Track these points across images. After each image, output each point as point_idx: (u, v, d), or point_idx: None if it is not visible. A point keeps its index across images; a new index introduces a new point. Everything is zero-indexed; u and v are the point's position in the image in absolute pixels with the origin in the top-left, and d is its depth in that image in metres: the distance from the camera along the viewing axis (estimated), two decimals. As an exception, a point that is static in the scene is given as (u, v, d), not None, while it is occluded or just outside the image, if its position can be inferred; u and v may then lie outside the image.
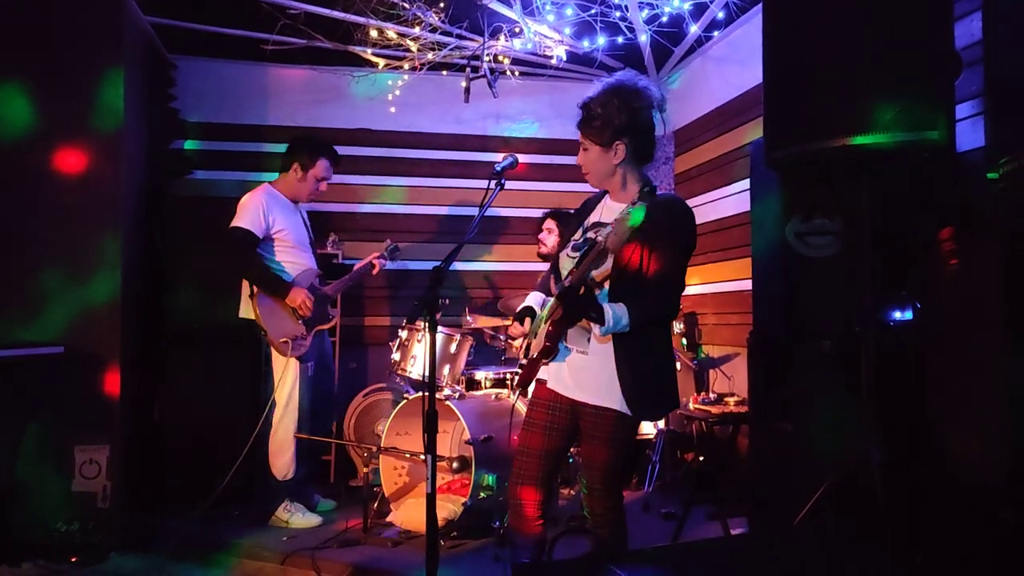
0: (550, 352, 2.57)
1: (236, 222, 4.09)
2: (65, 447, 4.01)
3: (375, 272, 4.49)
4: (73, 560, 3.82)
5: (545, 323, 2.61)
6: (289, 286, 4.10)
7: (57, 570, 3.73)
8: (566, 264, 2.66)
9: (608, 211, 2.70)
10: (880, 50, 2.46)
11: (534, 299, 2.81)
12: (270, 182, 4.33)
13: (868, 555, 2.43)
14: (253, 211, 4.12)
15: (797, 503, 2.67)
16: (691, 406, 4.56)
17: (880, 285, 2.79)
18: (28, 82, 4.09)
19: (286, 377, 4.12)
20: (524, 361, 2.73)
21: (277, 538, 3.97)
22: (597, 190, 2.80)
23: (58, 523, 3.91)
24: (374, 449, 4.13)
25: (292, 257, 4.26)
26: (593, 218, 2.74)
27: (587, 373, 2.58)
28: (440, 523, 3.91)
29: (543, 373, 2.71)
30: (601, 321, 2.42)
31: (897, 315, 2.93)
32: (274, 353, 4.16)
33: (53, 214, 4.08)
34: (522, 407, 3.77)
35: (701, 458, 4.62)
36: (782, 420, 3.09)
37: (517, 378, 2.76)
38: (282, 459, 4.15)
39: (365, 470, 4.16)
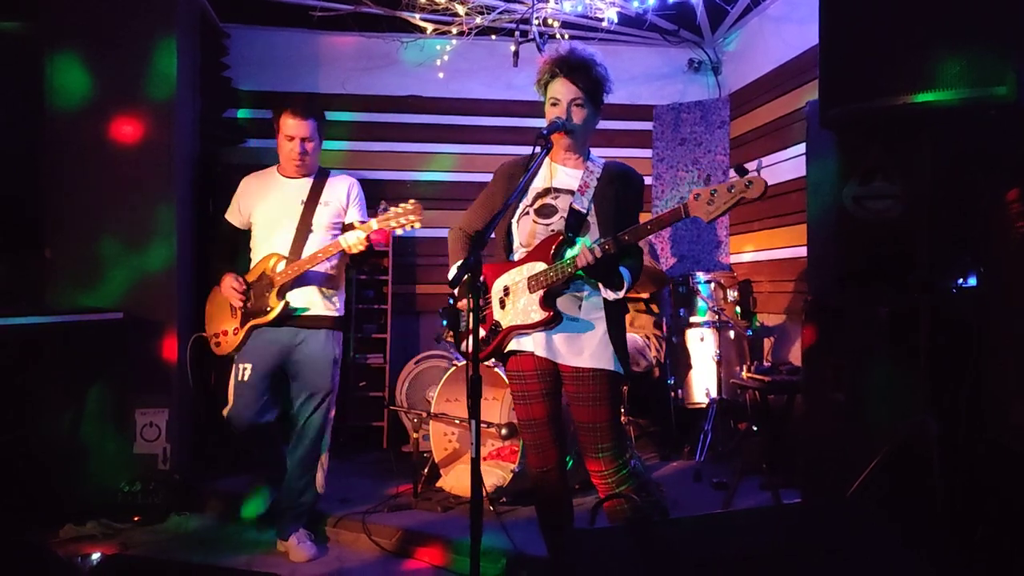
0: (555, 320, 2.53)
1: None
2: (126, 410, 4.15)
3: (349, 247, 3.42)
4: (136, 520, 3.94)
5: (536, 291, 2.55)
6: (221, 273, 3.58)
7: (120, 529, 3.86)
8: (531, 229, 2.62)
9: (560, 176, 2.68)
10: (943, 1, 2.34)
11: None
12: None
13: (925, 529, 2.36)
14: (234, 197, 3.73)
15: (850, 474, 2.60)
16: (744, 375, 4.48)
17: (942, 250, 2.68)
18: (84, 53, 4.18)
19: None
20: (482, 331, 2.69)
21: (331, 501, 4.04)
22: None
23: (121, 484, 4.04)
24: (424, 415, 4.16)
25: (262, 241, 3.60)
26: (540, 183, 2.68)
27: (581, 339, 2.57)
28: (489, 489, 3.94)
29: (520, 344, 2.65)
30: (621, 286, 2.48)
31: (960, 281, 2.82)
32: None
33: (110, 183, 4.18)
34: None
35: (754, 428, 4.54)
36: (835, 389, 3.01)
37: (486, 349, 2.69)
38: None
39: (415, 436, 4.20)
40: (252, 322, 3.51)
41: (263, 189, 3.62)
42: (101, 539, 3.75)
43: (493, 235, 2.70)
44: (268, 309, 3.46)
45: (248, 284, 3.52)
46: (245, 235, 3.66)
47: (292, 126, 3.51)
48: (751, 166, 2.24)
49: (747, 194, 2.19)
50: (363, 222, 3.47)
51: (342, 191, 3.65)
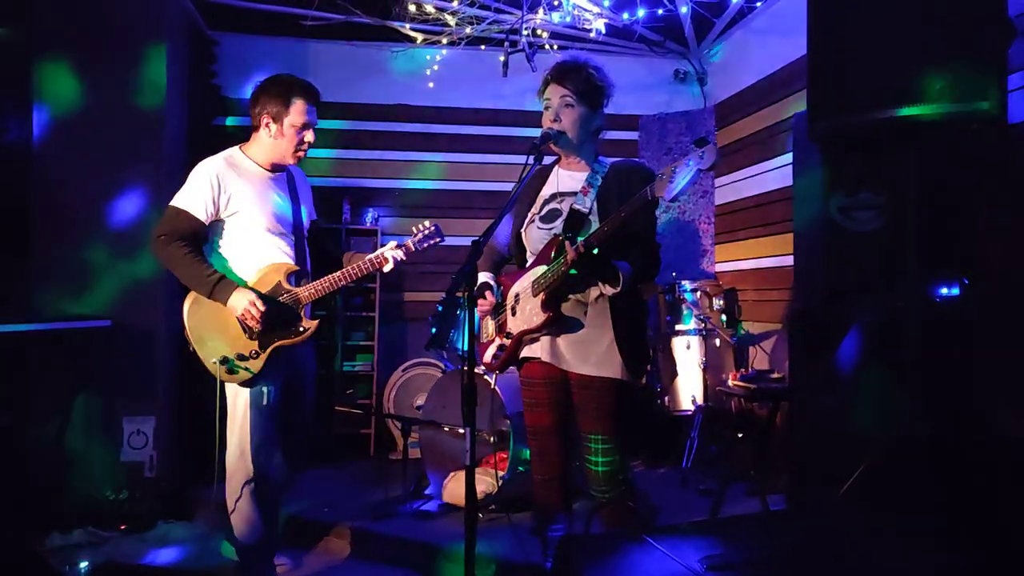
0: (555, 321, 2.54)
1: (176, 200, 3.06)
2: (114, 418, 4.14)
3: (388, 269, 3.19)
4: (122, 528, 3.93)
5: (538, 294, 2.56)
6: (229, 287, 2.96)
7: (107, 537, 3.84)
8: (538, 235, 2.66)
9: (564, 180, 2.72)
10: (928, 17, 2.40)
11: (486, 277, 2.81)
12: (241, 145, 3.22)
13: (912, 533, 2.40)
14: (198, 186, 3.03)
15: (838, 480, 2.65)
16: (730, 383, 4.53)
17: (926, 260, 2.74)
18: (73, 60, 4.18)
19: (235, 406, 3.05)
20: (499, 340, 2.72)
21: (319, 509, 4.03)
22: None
23: (107, 492, 4.03)
24: (413, 422, 4.17)
25: (254, 245, 3.08)
26: (549, 189, 2.74)
27: (586, 345, 2.57)
28: (478, 496, 3.95)
29: (531, 351, 2.67)
30: (617, 282, 2.45)
31: (943, 291, 2.88)
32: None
33: (99, 190, 4.17)
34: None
35: (740, 435, 4.59)
36: (823, 395, 3.06)
37: (498, 358, 2.73)
38: (239, 519, 3.10)
39: (404, 443, 4.21)
40: (277, 343, 3.04)
41: (243, 181, 3.09)
42: (88, 547, 3.74)
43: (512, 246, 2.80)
44: (302, 330, 3.09)
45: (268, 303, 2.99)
46: (203, 231, 3.07)
47: (308, 111, 3.13)
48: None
49: (701, 165, 2.22)
50: (402, 244, 3.23)
51: (308, 188, 3.37)
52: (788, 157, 4.62)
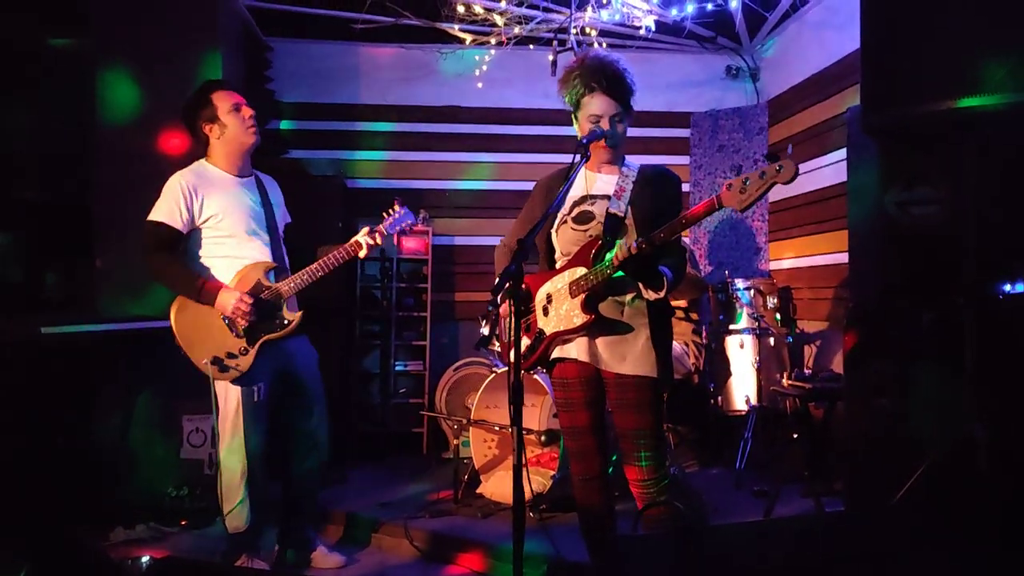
0: (596, 323, 2.52)
1: (151, 214, 3.22)
2: (173, 416, 4.24)
3: (363, 254, 3.34)
4: (183, 523, 4.02)
5: (577, 296, 2.53)
6: (215, 288, 3.14)
7: (168, 532, 3.94)
8: (572, 237, 2.63)
9: (596, 182, 2.70)
10: (987, 2, 2.32)
11: None
12: (203, 160, 3.37)
13: (972, 537, 2.33)
14: (170, 198, 3.21)
15: (894, 483, 2.58)
16: (785, 382, 4.45)
17: (988, 255, 2.65)
18: (132, 68, 4.30)
19: (227, 403, 3.21)
20: (526, 339, 2.69)
21: (372, 507, 4.08)
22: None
23: (168, 488, 4.13)
24: (464, 422, 4.19)
25: (231, 248, 3.24)
26: (578, 191, 2.70)
27: (624, 344, 2.57)
28: (529, 496, 3.95)
29: (564, 351, 2.65)
30: (661, 287, 2.45)
31: (1007, 287, 2.78)
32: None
33: (158, 194, 4.26)
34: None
35: (795, 436, 4.51)
36: (879, 396, 2.98)
37: (532, 357, 2.69)
38: (231, 509, 3.25)
39: (456, 442, 4.23)
40: (264, 338, 3.20)
41: (213, 188, 3.25)
42: (150, 542, 3.84)
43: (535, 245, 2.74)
44: (286, 323, 3.24)
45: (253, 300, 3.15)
46: (182, 240, 3.23)
47: (229, 95, 3.29)
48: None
49: (778, 179, 2.18)
50: (374, 230, 3.35)
51: (279, 192, 3.52)
52: (843, 152, 4.52)
